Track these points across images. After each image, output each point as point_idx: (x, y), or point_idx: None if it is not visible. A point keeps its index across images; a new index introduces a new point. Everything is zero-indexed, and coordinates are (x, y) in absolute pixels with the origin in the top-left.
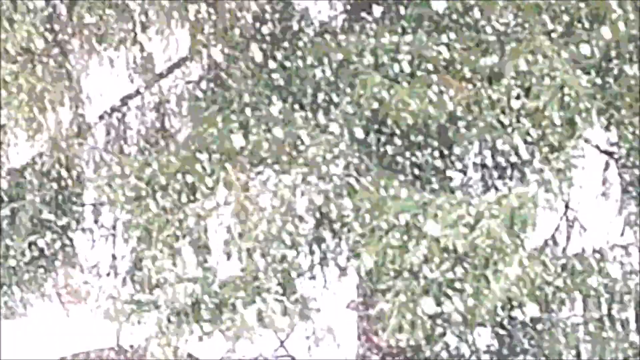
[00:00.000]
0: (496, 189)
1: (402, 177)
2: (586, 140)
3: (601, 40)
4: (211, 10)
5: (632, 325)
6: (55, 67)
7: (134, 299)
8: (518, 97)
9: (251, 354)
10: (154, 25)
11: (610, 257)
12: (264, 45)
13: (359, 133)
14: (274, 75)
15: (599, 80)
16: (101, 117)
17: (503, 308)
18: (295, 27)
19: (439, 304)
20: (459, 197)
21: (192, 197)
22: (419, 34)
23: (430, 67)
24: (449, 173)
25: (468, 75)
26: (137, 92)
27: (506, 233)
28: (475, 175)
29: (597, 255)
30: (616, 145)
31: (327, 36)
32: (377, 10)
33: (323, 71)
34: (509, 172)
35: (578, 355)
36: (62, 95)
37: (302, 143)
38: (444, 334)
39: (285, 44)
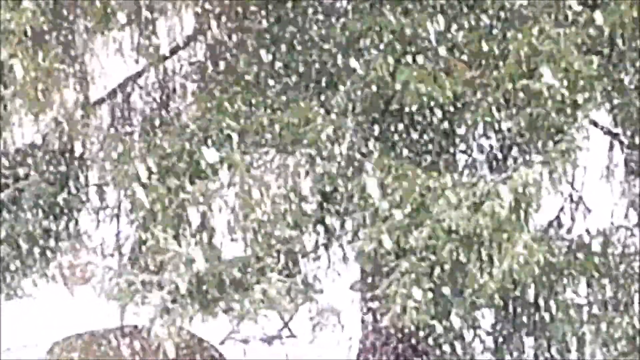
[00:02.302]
0: (500, 170)
1: (406, 158)
2: (591, 122)
3: (606, 23)
4: None
5: (636, 307)
6: (60, 47)
7: (138, 279)
8: (522, 78)
9: (255, 335)
10: (159, 5)
11: (614, 239)
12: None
13: (363, 114)
14: (278, 56)
15: (603, 62)
16: (106, 97)
17: (507, 289)
18: (301, 7)
19: (442, 284)
20: (464, 178)
21: (196, 178)
22: (421, 16)
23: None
24: (453, 154)
25: (472, 56)
26: (142, 73)
27: (510, 214)
28: (479, 156)
29: (601, 237)
30: (621, 127)
31: (333, 17)
32: None
33: (328, 52)
34: (513, 153)
35: (582, 336)
36: (66, 76)
37: (307, 124)
38: (447, 315)
39: (291, 25)
